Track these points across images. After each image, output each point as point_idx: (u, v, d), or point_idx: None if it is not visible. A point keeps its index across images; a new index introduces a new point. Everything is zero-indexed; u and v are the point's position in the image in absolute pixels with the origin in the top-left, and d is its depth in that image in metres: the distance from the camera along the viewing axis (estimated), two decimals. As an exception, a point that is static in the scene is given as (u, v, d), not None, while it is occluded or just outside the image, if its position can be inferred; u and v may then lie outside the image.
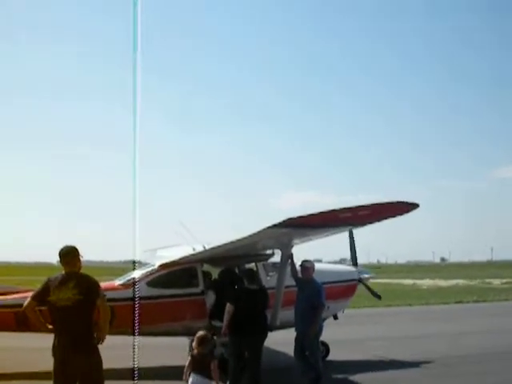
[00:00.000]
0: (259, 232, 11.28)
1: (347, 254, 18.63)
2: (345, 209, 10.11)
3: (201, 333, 11.10)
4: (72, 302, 8.73)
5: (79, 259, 9.26)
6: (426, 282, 68.29)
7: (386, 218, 11.56)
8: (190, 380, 10.64)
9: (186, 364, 10.74)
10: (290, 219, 10.21)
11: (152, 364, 12.03)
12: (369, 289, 17.98)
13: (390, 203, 10.02)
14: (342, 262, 19.19)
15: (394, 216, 11.35)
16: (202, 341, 10.96)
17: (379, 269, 72.28)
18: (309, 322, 13.41)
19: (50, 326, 8.98)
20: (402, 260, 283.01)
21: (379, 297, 18.21)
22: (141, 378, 10.15)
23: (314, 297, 13.54)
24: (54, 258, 9.89)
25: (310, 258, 16.50)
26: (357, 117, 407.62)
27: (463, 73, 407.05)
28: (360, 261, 18.51)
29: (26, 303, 9.01)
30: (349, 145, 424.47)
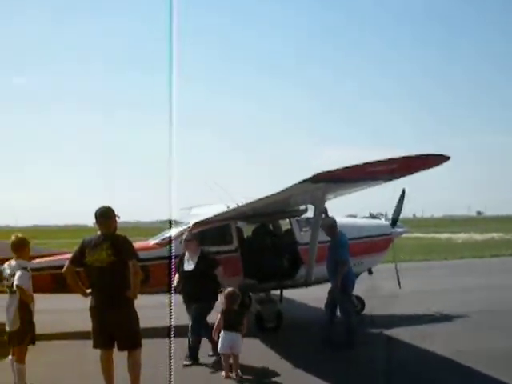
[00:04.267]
0: (290, 187, 11.25)
1: (382, 209, 18.62)
2: (375, 162, 10.04)
3: (229, 289, 11.40)
4: (106, 263, 9.00)
5: (115, 220, 9.41)
6: (462, 236, 67.71)
7: (416, 171, 11.47)
8: (222, 337, 10.92)
9: (216, 322, 11.05)
10: (319, 174, 10.17)
11: (187, 322, 12.17)
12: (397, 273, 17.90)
13: (420, 156, 9.93)
14: (378, 216, 18.97)
15: (424, 169, 11.25)
16: (231, 297, 11.11)
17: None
18: (335, 277, 13.47)
19: (89, 291, 9.27)
20: (438, 214, 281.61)
21: (399, 285, 17.96)
22: (177, 335, 10.28)
23: (336, 253, 13.60)
24: (91, 221, 10.11)
25: (348, 212, 16.61)
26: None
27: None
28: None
29: (65, 267, 9.31)
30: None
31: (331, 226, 14.04)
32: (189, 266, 12.46)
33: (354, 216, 20.13)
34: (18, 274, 9.57)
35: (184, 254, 12.80)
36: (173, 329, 10.15)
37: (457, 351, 12.09)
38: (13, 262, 9.88)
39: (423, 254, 37.75)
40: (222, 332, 10.94)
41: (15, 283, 9.52)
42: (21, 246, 10.04)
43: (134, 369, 9.25)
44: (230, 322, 10.98)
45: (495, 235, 67.30)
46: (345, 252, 13.70)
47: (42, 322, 15.08)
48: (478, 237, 65.63)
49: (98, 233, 9.35)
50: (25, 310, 9.67)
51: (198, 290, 12.08)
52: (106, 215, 9.37)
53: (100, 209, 9.43)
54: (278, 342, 13.68)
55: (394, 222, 17.99)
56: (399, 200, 17.69)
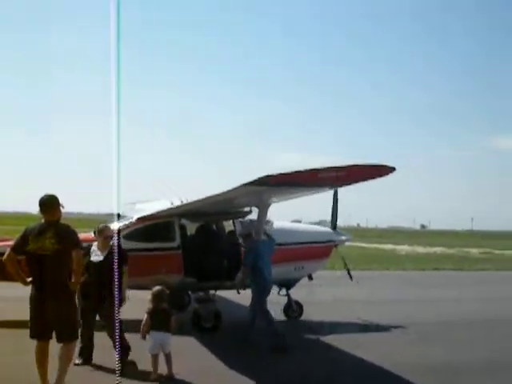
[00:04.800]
0: (236, 188, 11.23)
1: (328, 215, 18.66)
2: (321, 169, 10.09)
3: (157, 288, 11.08)
4: (50, 251, 8.81)
5: (59, 209, 9.25)
6: (405, 248, 68.59)
7: (362, 180, 11.54)
8: (153, 337, 10.68)
9: (143, 321, 10.75)
10: (266, 177, 10.16)
11: (128, 317, 12.03)
12: (345, 265, 17.96)
13: (366, 165, 10.01)
14: (321, 223, 19.11)
15: (370, 178, 11.33)
16: (158, 296, 10.89)
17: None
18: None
19: (30, 279, 9.04)
20: (382, 225, 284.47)
21: (351, 278, 18.10)
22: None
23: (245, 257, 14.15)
24: (34, 208, 9.94)
25: (293, 217, 16.64)
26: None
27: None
28: (340, 223, 18.56)
29: (5, 255, 9.04)
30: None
31: (248, 235, 14.41)
32: (97, 257, 11.78)
33: (299, 221, 20.20)
34: None
35: (91, 245, 12.06)
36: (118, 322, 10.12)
37: (392, 362, 12.08)
38: None
39: (365, 263, 37.98)
40: (151, 332, 10.68)
41: None
42: None
43: (65, 361, 9.08)
44: (159, 321, 10.71)
45: (438, 249, 68.27)
46: (249, 257, 13.85)
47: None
48: (421, 250, 66.51)
49: (42, 221, 9.15)
50: None
51: (102, 284, 11.30)
52: (50, 203, 9.20)
53: (44, 197, 9.25)
54: (215, 342, 13.60)
55: (334, 225, 18.05)
56: (333, 203, 17.76)
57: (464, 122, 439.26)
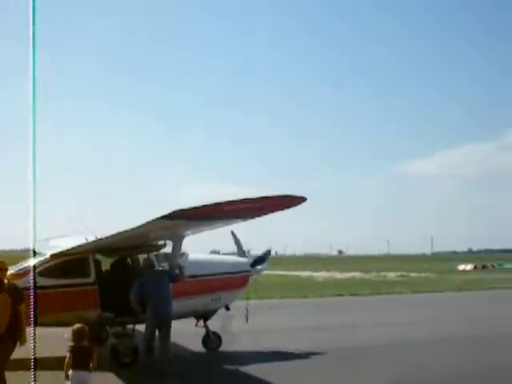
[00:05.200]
0: (147, 223, 11.31)
1: (248, 246, 18.85)
2: (230, 201, 10.22)
3: (77, 326, 10.43)
4: None
5: None
6: (323, 275, 69.09)
7: (273, 211, 11.75)
8: (74, 377, 10.04)
9: (66, 361, 10.06)
10: (176, 211, 10.28)
11: (48, 354, 11.90)
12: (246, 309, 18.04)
13: (276, 196, 10.18)
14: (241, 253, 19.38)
15: (281, 209, 11.54)
16: (79, 333, 10.28)
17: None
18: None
19: None
20: (299, 252, 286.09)
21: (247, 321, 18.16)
22: (39, 368, 10.00)
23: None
24: None
25: (210, 248, 16.76)
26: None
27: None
28: (257, 252, 18.68)
29: None
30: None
31: (150, 266, 14.92)
32: None
33: (217, 252, 20.31)
34: None
35: None
36: (34, 360, 9.97)
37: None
38: None
39: (284, 291, 38.17)
40: (71, 371, 10.00)
41: None
42: None
43: None
44: (80, 360, 10.09)
45: (355, 274, 68.98)
46: (133, 290, 14.53)
47: None
48: (338, 275, 67.12)
49: None
50: None
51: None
52: None
53: None
54: (133, 377, 13.55)
55: (242, 254, 18.26)
56: (234, 239, 18.05)
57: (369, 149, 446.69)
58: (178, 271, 14.91)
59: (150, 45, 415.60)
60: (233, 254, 19.32)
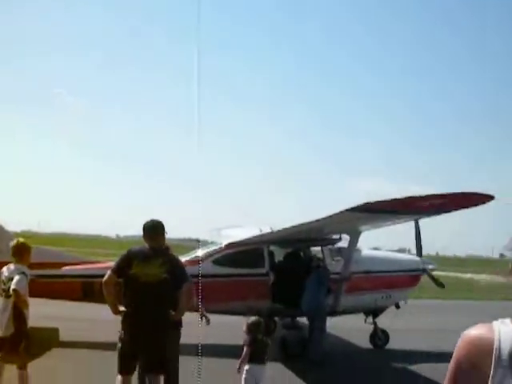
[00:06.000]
0: (335, 215, 11.30)
1: (402, 244, 18.58)
2: (421, 197, 10.11)
3: (253, 319, 10.16)
4: (158, 280, 8.31)
5: (164, 236, 8.95)
6: (484, 277, 67.30)
7: (459, 209, 11.52)
8: (250, 370, 9.80)
9: (243, 355, 9.80)
10: (368, 203, 10.23)
11: (215, 341, 12.08)
12: (432, 278, 17.77)
13: (465, 193, 9.98)
14: (400, 251, 19.22)
15: (467, 207, 11.31)
16: (257, 326, 9.99)
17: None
18: None
19: (122, 309, 8.47)
20: (460, 253, 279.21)
21: (443, 285, 18.00)
22: (205, 354, 10.12)
23: None
24: (113, 232, 9.23)
25: (367, 246, 16.69)
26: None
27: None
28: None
29: (106, 276, 8.45)
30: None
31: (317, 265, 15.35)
32: None
33: (379, 249, 20.17)
34: (16, 278, 9.15)
35: None
36: (200, 347, 10.12)
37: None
38: (12, 266, 9.48)
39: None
40: (247, 365, 9.74)
41: (12, 287, 9.09)
42: (22, 250, 9.65)
43: None
44: (256, 353, 9.85)
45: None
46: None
47: (68, 330, 15.22)
48: (500, 279, 65.17)
49: (146, 246, 8.71)
50: (19, 316, 9.23)
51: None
52: (157, 229, 8.87)
53: (151, 222, 8.89)
54: (301, 368, 13.65)
55: (420, 254, 17.93)
56: (416, 232, 17.61)
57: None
58: (347, 270, 15.01)
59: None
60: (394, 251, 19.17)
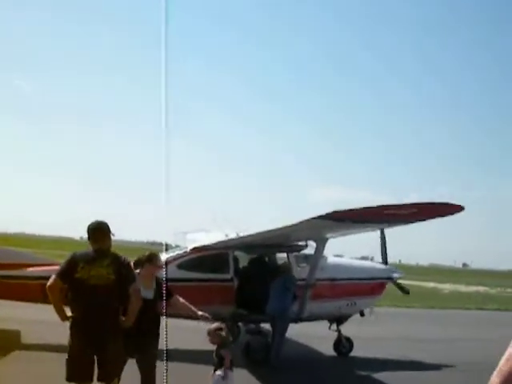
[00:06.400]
0: (302, 222, 11.25)
1: (364, 252, 18.63)
2: (391, 205, 10.08)
3: (215, 325, 9.54)
4: (105, 282, 7.94)
5: (110, 237, 8.42)
6: (448, 287, 67.75)
7: (429, 219, 11.51)
8: (225, 376, 9.32)
9: (227, 360, 9.26)
10: (336, 212, 10.19)
11: (180, 346, 11.95)
12: (398, 286, 17.73)
13: (434, 203, 9.97)
14: (363, 259, 19.30)
15: (436, 217, 11.32)
16: (223, 331, 9.45)
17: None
18: None
19: (70, 314, 8.04)
20: (423, 262, 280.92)
21: (408, 292, 17.99)
22: (170, 359, 9.90)
23: None
24: (76, 233, 8.75)
25: (331, 253, 16.72)
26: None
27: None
28: (379, 259, 18.39)
29: (50, 281, 8.02)
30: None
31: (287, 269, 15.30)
32: (146, 292, 9.39)
33: (341, 256, 20.17)
34: None
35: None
36: (166, 352, 9.94)
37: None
38: None
39: (408, 301, 37.47)
40: (219, 371, 9.21)
41: None
42: None
43: None
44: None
45: (480, 288, 67.30)
46: None
47: (29, 332, 14.98)
48: (463, 288, 65.66)
49: (90, 248, 8.24)
50: None
51: (155, 326, 9.52)
52: (102, 230, 8.34)
53: (95, 223, 8.39)
54: (265, 374, 13.60)
55: (385, 262, 17.93)
56: (381, 240, 17.59)
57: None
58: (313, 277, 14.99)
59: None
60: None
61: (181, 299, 9.98)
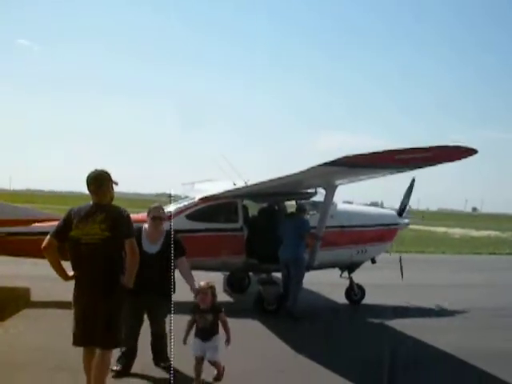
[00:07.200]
0: (311, 169, 11.02)
1: (373, 198, 18.46)
2: (401, 150, 9.84)
3: (204, 284, 9.09)
4: (99, 239, 7.40)
5: (111, 187, 7.80)
6: (458, 231, 67.44)
7: (441, 163, 11.27)
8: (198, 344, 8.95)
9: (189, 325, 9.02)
10: (346, 157, 9.97)
11: (188, 299, 11.79)
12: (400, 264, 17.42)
13: (448, 146, 9.71)
14: (373, 205, 19.17)
15: (449, 160, 11.07)
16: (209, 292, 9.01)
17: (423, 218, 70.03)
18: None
19: (71, 274, 7.65)
20: (433, 207, 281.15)
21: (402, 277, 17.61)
22: (177, 312, 9.72)
23: None
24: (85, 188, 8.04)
25: (340, 200, 16.60)
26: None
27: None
28: (389, 205, 18.23)
29: (45, 241, 7.58)
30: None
31: (302, 210, 15.15)
32: (152, 247, 9.61)
33: (351, 202, 20.03)
34: None
35: (141, 231, 9.70)
36: (172, 304, 9.80)
37: (457, 347, 11.73)
38: None
39: (421, 246, 37.42)
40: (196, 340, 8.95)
41: None
42: None
43: (103, 370, 7.69)
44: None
45: (491, 233, 67.04)
46: None
47: (39, 289, 14.90)
48: (474, 233, 65.43)
49: (90, 202, 7.70)
50: None
51: (160, 280, 9.42)
52: (99, 181, 7.68)
53: (93, 173, 7.72)
54: (278, 324, 13.45)
55: (401, 212, 17.74)
56: (408, 190, 17.44)
57: None
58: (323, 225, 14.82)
59: None
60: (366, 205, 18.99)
61: (185, 264, 9.72)
